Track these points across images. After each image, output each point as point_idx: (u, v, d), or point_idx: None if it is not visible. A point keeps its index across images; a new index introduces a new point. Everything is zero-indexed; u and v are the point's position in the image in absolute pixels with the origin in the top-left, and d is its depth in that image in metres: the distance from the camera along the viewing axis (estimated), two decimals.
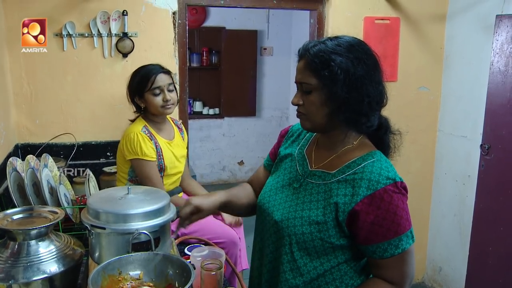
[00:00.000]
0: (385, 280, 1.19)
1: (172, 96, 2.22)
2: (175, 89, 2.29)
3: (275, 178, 1.38)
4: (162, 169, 2.21)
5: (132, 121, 2.29)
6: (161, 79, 2.19)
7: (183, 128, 2.48)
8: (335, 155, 1.25)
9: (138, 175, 2.18)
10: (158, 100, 2.18)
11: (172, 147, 2.28)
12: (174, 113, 2.76)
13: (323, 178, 1.24)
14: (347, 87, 1.15)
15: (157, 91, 2.18)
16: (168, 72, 2.25)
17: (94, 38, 2.58)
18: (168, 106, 2.20)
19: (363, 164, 1.19)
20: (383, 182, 1.14)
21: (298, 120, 1.31)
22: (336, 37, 1.21)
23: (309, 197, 1.24)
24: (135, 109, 2.30)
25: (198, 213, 1.37)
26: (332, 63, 1.14)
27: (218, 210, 1.42)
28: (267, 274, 1.33)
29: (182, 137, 2.41)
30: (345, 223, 1.17)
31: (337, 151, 1.25)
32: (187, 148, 2.90)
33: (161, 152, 2.20)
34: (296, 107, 1.25)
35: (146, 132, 2.18)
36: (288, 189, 1.31)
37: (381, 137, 1.29)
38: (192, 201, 1.37)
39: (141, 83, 2.19)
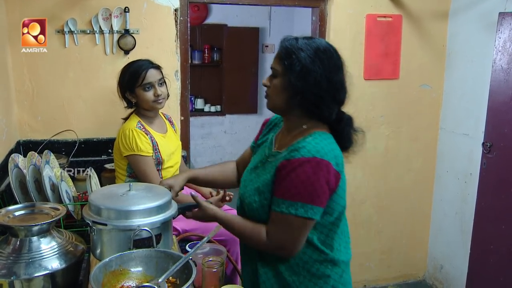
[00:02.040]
0: (266, 231, 1.38)
1: (163, 91, 2.24)
2: (165, 83, 2.30)
3: (251, 162, 1.57)
4: (159, 162, 2.22)
5: (125, 119, 2.30)
6: (152, 75, 2.21)
7: (173, 121, 2.50)
8: (290, 137, 1.43)
9: (135, 171, 2.19)
10: (149, 95, 2.20)
11: (166, 140, 2.30)
12: (175, 110, 2.77)
13: (276, 157, 1.42)
14: (301, 79, 1.34)
15: (148, 87, 2.20)
16: (158, 67, 2.26)
17: (96, 35, 2.58)
18: (159, 101, 2.23)
19: (300, 141, 1.36)
20: (301, 153, 1.31)
21: None
22: (311, 38, 1.39)
23: (262, 171, 1.43)
24: (125, 105, 2.31)
25: (172, 191, 1.58)
26: (293, 56, 1.34)
27: (187, 183, 1.65)
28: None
29: (174, 129, 2.45)
30: (272, 182, 1.37)
31: (292, 133, 1.43)
32: (188, 144, 2.92)
33: (157, 145, 2.21)
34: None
35: (141, 127, 2.19)
36: (256, 170, 1.49)
37: (340, 130, 1.44)
38: (163, 183, 1.60)
39: (132, 79, 2.20)
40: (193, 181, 1.70)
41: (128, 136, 2.14)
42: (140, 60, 2.27)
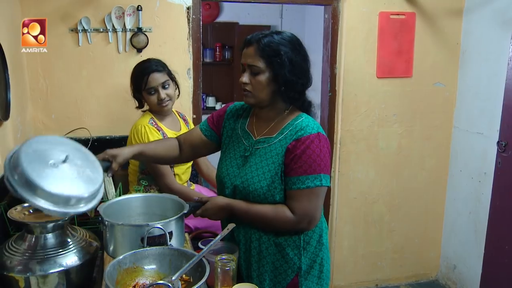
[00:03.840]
0: (290, 209, 1.47)
1: (168, 93, 2.22)
2: (176, 81, 2.30)
3: (227, 155, 1.63)
4: None
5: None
6: (154, 79, 2.19)
7: (188, 120, 2.52)
8: (273, 124, 1.56)
9: (148, 167, 2.20)
10: (153, 99, 2.21)
11: None
12: (187, 108, 2.78)
13: (267, 142, 1.54)
14: (291, 71, 1.47)
15: (152, 91, 2.20)
16: (162, 70, 2.23)
17: (109, 33, 2.59)
18: (164, 104, 2.21)
19: (295, 123, 1.51)
20: (308, 131, 1.47)
21: None
22: (279, 33, 1.51)
23: (259, 158, 1.52)
24: (137, 105, 2.32)
25: (114, 161, 1.55)
26: (281, 53, 1.45)
27: (132, 158, 1.65)
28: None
29: (188, 128, 2.44)
30: (283, 164, 1.47)
31: (274, 120, 1.56)
32: None
33: None
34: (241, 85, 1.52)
35: (154, 123, 2.20)
36: (239, 159, 1.58)
37: (306, 110, 1.59)
38: (107, 152, 1.56)
39: (136, 83, 2.23)
40: (139, 155, 1.66)
41: (140, 131, 2.16)
42: (146, 61, 2.26)
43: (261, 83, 1.48)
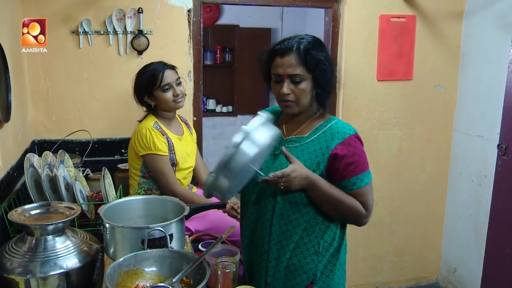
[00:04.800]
0: (362, 204, 1.51)
1: (182, 90, 2.26)
2: (181, 82, 2.32)
3: None
4: (174, 164, 2.23)
5: (140, 121, 2.31)
6: (169, 75, 2.23)
7: (190, 124, 2.52)
8: (305, 125, 1.56)
9: (152, 170, 2.19)
10: (169, 96, 2.21)
11: (182, 142, 2.30)
12: (188, 111, 2.78)
13: (299, 141, 1.54)
14: (331, 73, 1.51)
15: (167, 88, 2.21)
16: (173, 67, 2.28)
17: (110, 35, 2.60)
18: (179, 100, 2.24)
19: (328, 125, 1.53)
20: (347, 133, 1.50)
21: None
22: (303, 37, 1.52)
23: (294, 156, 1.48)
24: (145, 109, 2.32)
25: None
26: (321, 57, 1.47)
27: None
28: (276, 230, 1.52)
29: (191, 132, 2.45)
30: (325, 168, 1.48)
31: (304, 122, 1.57)
32: (201, 144, 2.92)
33: (173, 147, 2.22)
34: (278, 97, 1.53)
35: (158, 127, 2.20)
36: (269, 158, 1.54)
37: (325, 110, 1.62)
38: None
39: (150, 82, 2.21)
40: None
41: (145, 135, 2.15)
42: (153, 63, 2.28)
43: (305, 91, 1.48)
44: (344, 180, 1.48)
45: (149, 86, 2.21)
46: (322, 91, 1.52)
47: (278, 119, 1.67)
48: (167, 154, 2.19)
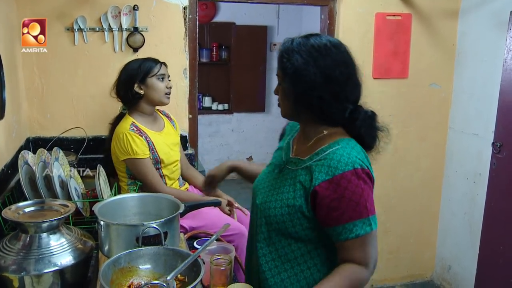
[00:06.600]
0: (347, 261, 1.25)
1: (171, 86, 2.32)
2: None
3: (268, 166, 1.50)
4: (158, 161, 2.22)
5: (112, 123, 2.31)
6: (164, 69, 2.28)
7: (172, 117, 2.50)
8: (310, 144, 1.34)
9: (135, 174, 2.20)
10: (162, 86, 2.24)
11: (163, 136, 2.29)
12: (183, 108, 2.77)
13: (296, 164, 1.33)
14: (293, 82, 1.26)
15: (162, 77, 2.25)
16: (166, 65, 2.32)
17: (105, 32, 2.59)
18: (168, 95, 2.28)
19: (328, 152, 1.26)
20: (341, 168, 1.20)
21: None
22: (309, 36, 1.29)
23: (284, 181, 1.34)
24: (123, 106, 2.31)
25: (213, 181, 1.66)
26: (284, 59, 1.27)
27: (229, 173, 1.66)
28: (254, 251, 1.42)
29: (174, 125, 2.44)
30: (309, 205, 1.25)
31: (311, 139, 1.34)
32: (197, 142, 2.92)
33: (153, 145, 2.21)
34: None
35: (135, 129, 2.18)
36: (272, 174, 1.42)
37: (356, 129, 1.33)
38: (208, 173, 1.66)
39: (149, 68, 2.23)
40: (235, 170, 1.68)
41: (122, 140, 2.15)
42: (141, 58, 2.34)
43: (280, 93, 1.35)
44: (329, 228, 1.24)
45: (147, 72, 2.22)
46: (305, 103, 1.28)
47: (294, 135, 1.50)
48: (148, 155, 2.18)
